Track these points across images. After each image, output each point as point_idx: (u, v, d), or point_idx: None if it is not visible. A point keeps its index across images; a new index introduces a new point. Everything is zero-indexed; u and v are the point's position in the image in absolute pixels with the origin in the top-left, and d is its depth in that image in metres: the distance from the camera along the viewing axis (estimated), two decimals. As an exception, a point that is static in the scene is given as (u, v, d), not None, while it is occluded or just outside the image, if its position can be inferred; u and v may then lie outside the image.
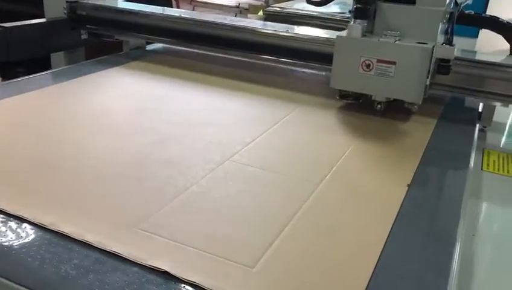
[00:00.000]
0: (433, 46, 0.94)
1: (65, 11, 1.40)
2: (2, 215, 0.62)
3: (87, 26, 1.42)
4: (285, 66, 1.26)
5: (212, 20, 1.30)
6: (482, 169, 0.94)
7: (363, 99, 1.06)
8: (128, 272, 0.54)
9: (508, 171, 0.94)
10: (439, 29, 0.98)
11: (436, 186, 0.82)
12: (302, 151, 0.88)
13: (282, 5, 1.93)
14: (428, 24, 0.98)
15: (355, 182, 0.78)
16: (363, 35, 0.99)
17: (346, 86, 1.04)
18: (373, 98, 1.03)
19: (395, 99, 1.01)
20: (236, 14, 4.07)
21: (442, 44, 0.99)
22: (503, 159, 0.99)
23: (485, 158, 0.99)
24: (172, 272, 0.54)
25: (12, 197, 0.66)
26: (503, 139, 1.11)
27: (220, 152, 0.83)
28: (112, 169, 0.76)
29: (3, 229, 0.60)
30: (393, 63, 0.96)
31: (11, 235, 0.59)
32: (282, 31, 1.23)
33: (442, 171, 0.87)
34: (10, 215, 0.62)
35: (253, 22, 1.32)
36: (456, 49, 0.98)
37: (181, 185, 0.72)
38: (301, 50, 1.20)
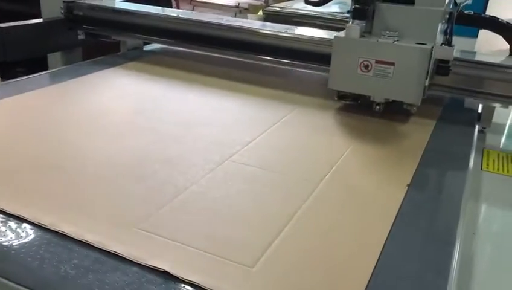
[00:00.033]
0: (432, 47, 0.93)
1: (62, 11, 1.39)
2: (1, 215, 0.62)
3: (84, 26, 1.41)
4: (283, 67, 1.25)
5: (210, 20, 1.29)
6: (481, 169, 0.94)
7: (361, 101, 1.05)
8: (128, 272, 0.54)
9: (507, 171, 0.94)
10: (438, 30, 0.97)
11: (435, 187, 0.81)
12: (300, 152, 0.88)
13: (281, 4, 1.93)
14: (427, 24, 0.97)
15: (355, 183, 0.77)
16: (362, 36, 0.98)
17: (344, 87, 1.03)
18: (371, 99, 1.02)
19: (393, 101, 1.00)
20: (236, 14, 4.07)
21: (441, 45, 0.98)
22: (502, 159, 0.98)
23: (485, 158, 0.98)
24: (172, 272, 0.54)
25: (12, 197, 0.66)
26: (503, 140, 1.10)
27: (219, 152, 0.83)
28: (111, 169, 0.76)
29: (3, 229, 0.60)
30: (392, 63, 0.95)
31: (10, 235, 0.59)
32: (280, 32, 1.22)
33: (442, 172, 0.87)
34: (10, 215, 0.62)
35: (251, 23, 1.31)
36: (455, 50, 0.97)
37: (181, 184, 0.72)
38: (299, 50, 1.19)
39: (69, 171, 0.75)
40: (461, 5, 1.06)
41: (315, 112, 1.06)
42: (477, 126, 1.07)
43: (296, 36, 1.20)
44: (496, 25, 1.10)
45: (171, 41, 1.36)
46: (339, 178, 0.78)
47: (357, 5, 0.98)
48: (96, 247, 0.57)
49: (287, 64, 1.23)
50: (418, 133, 0.98)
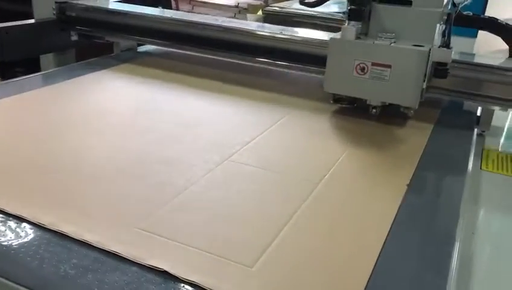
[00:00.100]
0: (430, 49, 0.91)
1: (54, 12, 1.37)
2: (1, 215, 0.62)
3: (77, 27, 1.39)
4: (278, 69, 1.23)
5: (204, 21, 1.27)
6: (480, 168, 0.94)
7: (357, 104, 1.02)
8: (128, 271, 0.54)
9: (507, 171, 0.93)
10: (436, 31, 0.95)
11: (434, 188, 0.81)
12: (294, 156, 0.86)
13: (281, 4, 1.93)
14: (424, 26, 0.94)
15: (353, 184, 0.77)
16: (358, 38, 0.96)
17: (340, 90, 1.01)
18: (368, 102, 1.00)
19: (390, 104, 0.98)
20: (235, 13, 4.04)
21: (439, 47, 0.96)
22: (502, 159, 0.97)
23: (484, 158, 0.97)
24: (171, 271, 0.54)
25: (11, 197, 0.66)
26: (501, 142, 1.08)
27: (217, 154, 0.83)
28: (111, 169, 0.76)
29: (3, 228, 0.60)
30: (389, 66, 0.93)
31: (10, 235, 0.59)
32: (275, 33, 1.20)
33: (440, 174, 0.85)
34: (9, 215, 0.62)
35: (246, 24, 1.29)
36: (453, 52, 0.95)
37: (181, 184, 0.72)
38: (295, 52, 1.17)
39: (69, 171, 0.75)
40: (460, 6, 1.04)
41: (310, 115, 1.04)
42: (476, 129, 1.05)
43: (291, 38, 1.18)
44: (495, 26, 1.07)
45: (165, 42, 1.34)
46: (338, 179, 0.78)
47: (352, 6, 0.95)
48: (95, 247, 0.57)
49: (283, 66, 1.21)
50: (416, 137, 0.96)
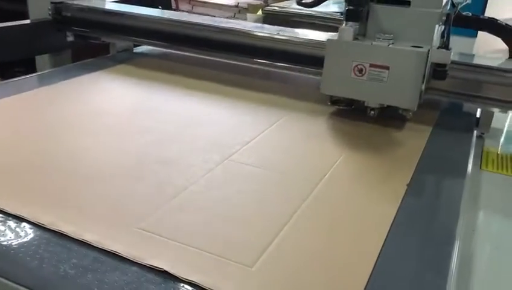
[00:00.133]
0: (429, 50, 0.90)
1: (50, 12, 1.35)
2: (0, 215, 0.62)
3: (73, 28, 1.38)
4: (276, 70, 1.21)
5: (200, 22, 1.26)
6: (480, 168, 0.93)
7: (355, 106, 1.01)
8: (127, 271, 0.54)
9: (507, 170, 0.93)
10: (435, 32, 0.93)
11: (433, 191, 0.80)
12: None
13: (281, 4, 1.92)
14: (423, 27, 0.93)
15: (352, 185, 0.77)
16: (355, 39, 0.94)
17: (337, 92, 0.99)
18: (366, 104, 0.98)
19: (388, 106, 0.97)
20: (235, 13, 4.03)
21: (438, 48, 0.94)
22: (502, 159, 0.97)
23: (484, 158, 0.97)
24: (171, 271, 0.54)
25: (11, 197, 0.66)
26: (500, 145, 1.07)
27: (217, 153, 0.82)
28: (110, 169, 0.76)
29: (2, 228, 0.60)
30: (387, 67, 0.92)
31: (10, 235, 0.59)
32: (273, 34, 1.18)
33: (439, 176, 0.84)
34: (9, 215, 0.62)
35: (243, 24, 1.27)
36: (452, 53, 0.94)
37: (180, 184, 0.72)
38: (292, 53, 1.16)
39: (69, 171, 0.75)
40: (459, 7, 1.03)
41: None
42: (475, 131, 1.03)
43: (288, 38, 1.16)
44: (494, 27, 1.06)
45: (161, 43, 1.32)
46: (336, 181, 0.77)
47: (350, 6, 0.94)
48: (95, 246, 0.57)
49: (280, 67, 1.19)
50: (414, 139, 0.95)
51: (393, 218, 0.67)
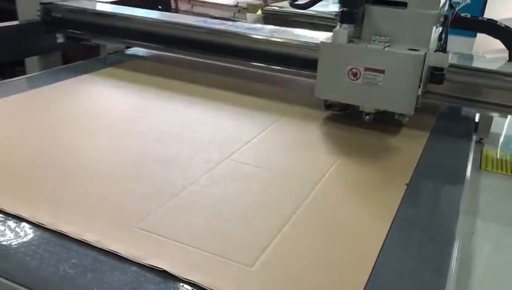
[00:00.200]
0: (426, 54, 0.87)
1: (38, 13, 1.32)
2: (0, 215, 0.62)
3: (63, 29, 1.35)
4: (269, 72, 1.18)
5: (192, 23, 1.23)
6: (480, 168, 0.93)
7: (350, 110, 0.98)
8: (127, 271, 0.54)
9: (506, 170, 0.93)
10: (432, 35, 0.90)
11: (433, 191, 0.79)
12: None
13: (280, 4, 1.90)
14: (420, 29, 0.90)
15: (351, 187, 0.76)
16: (350, 41, 0.91)
17: (331, 96, 0.96)
18: (361, 108, 0.95)
19: (384, 110, 0.94)
20: (235, 13, 4.01)
21: (435, 51, 0.91)
22: (501, 162, 0.96)
23: (484, 157, 0.96)
24: (170, 271, 0.54)
25: (11, 196, 0.66)
26: (499, 149, 1.05)
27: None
28: (110, 169, 0.76)
29: (2, 228, 0.60)
30: (382, 71, 0.89)
31: (9, 235, 0.59)
32: (267, 36, 1.15)
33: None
34: (9, 215, 0.62)
35: (237, 26, 1.24)
36: (450, 55, 0.91)
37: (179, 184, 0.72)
38: (287, 55, 1.13)
39: (68, 171, 0.75)
40: (457, 8, 0.99)
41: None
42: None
43: (282, 40, 1.13)
44: (494, 29, 1.03)
45: (153, 45, 1.29)
46: (332, 184, 0.76)
47: (344, 8, 0.91)
48: (95, 246, 0.57)
49: (274, 70, 1.16)
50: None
51: (393, 217, 0.67)
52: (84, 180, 0.72)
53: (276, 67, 1.16)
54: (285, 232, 0.63)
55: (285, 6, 1.83)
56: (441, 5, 0.91)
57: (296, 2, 1.02)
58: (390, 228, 0.65)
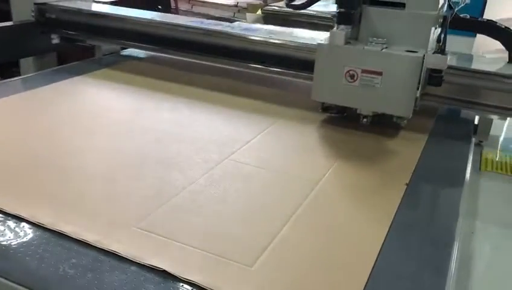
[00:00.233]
0: (424, 55, 0.85)
1: (33, 14, 1.31)
2: (0, 215, 0.62)
3: (57, 29, 1.33)
4: (265, 74, 1.17)
5: (188, 24, 1.21)
6: (479, 169, 0.93)
7: (347, 113, 0.96)
8: (127, 271, 0.54)
9: (506, 170, 0.92)
10: (431, 36, 0.89)
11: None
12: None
13: (280, 4, 1.89)
14: (418, 30, 0.89)
15: (350, 188, 0.76)
16: (347, 43, 0.90)
17: (328, 99, 0.95)
18: (358, 111, 0.93)
19: (382, 113, 0.92)
20: (234, 13, 4.00)
21: (433, 52, 0.89)
22: (501, 159, 0.96)
23: (483, 160, 0.95)
24: (170, 271, 0.54)
25: (10, 197, 0.66)
26: (498, 152, 1.03)
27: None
28: (109, 169, 0.76)
29: (2, 228, 0.60)
30: (380, 73, 0.87)
31: (9, 235, 0.59)
32: (263, 37, 1.14)
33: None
34: (8, 215, 0.62)
35: (232, 27, 1.22)
36: (449, 57, 0.89)
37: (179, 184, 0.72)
38: (284, 57, 1.12)
39: (68, 171, 0.75)
40: (457, 8, 0.98)
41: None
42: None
43: (279, 42, 1.12)
44: (493, 30, 1.01)
45: (149, 46, 1.28)
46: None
47: (341, 9, 0.89)
48: (94, 246, 0.57)
49: (271, 71, 1.15)
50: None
51: (392, 217, 0.67)
52: (84, 180, 0.73)
53: (273, 68, 1.14)
54: (285, 233, 0.63)
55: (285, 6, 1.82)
56: (439, 5, 0.90)
57: (293, 3, 1.01)
58: (389, 229, 0.65)
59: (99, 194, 0.69)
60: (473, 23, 1.05)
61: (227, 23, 1.25)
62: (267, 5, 2.02)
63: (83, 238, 0.58)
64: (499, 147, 1.05)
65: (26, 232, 0.59)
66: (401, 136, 0.95)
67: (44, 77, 1.19)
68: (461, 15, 1.04)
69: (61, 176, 0.73)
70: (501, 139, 1.09)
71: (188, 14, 3.66)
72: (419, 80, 0.86)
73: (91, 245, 0.57)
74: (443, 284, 0.55)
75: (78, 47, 1.37)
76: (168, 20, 1.25)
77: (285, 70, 1.13)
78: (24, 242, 0.57)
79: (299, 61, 1.08)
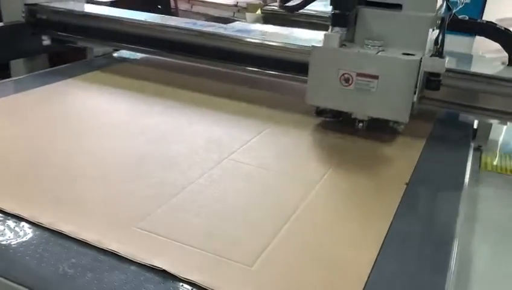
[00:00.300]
0: (421, 58, 0.83)
1: (23, 15, 1.28)
2: (0, 215, 0.63)
3: (48, 31, 1.30)
4: (259, 76, 1.14)
5: (181, 25, 1.19)
6: (479, 168, 0.93)
7: (343, 117, 0.94)
8: (127, 270, 0.54)
9: (506, 170, 0.92)
10: (428, 38, 0.86)
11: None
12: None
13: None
14: (415, 32, 0.86)
15: (349, 190, 0.76)
16: (342, 45, 0.87)
17: (322, 103, 0.92)
18: (353, 116, 0.91)
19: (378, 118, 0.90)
20: (234, 12, 3.98)
21: (431, 55, 0.87)
22: (501, 158, 0.96)
23: (483, 165, 0.95)
24: (170, 270, 0.54)
25: (10, 196, 0.66)
26: (497, 156, 1.01)
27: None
28: (109, 169, 0.76)
29: (1, 228, 0.60)
30: (376, 77, 0.85)
31: (9, 234, 0.59)
32: (257, 39, 1.11)
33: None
34: (8, 214, 0.62)
35: (226, 28, 1.19)
36: (447, 60, 0.86)
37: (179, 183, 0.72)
38: (280, 60, 1.09)
39: (68, 171, 0.75)
40: (455, 9, 0.95)
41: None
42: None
43: (273, 44, 1.09)
44: (493, 32, 0.98)
45: (140, 48, 1.25)
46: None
47: (336, 10, 0.87)
48: (94, 246, 0.57)
49: (266, 74, 1.12)
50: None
51: (392, 216, 0.67)
52: (84, 180, 0.73)
53: (267, 71, 1.12)
54: (285, 233, 0.63)
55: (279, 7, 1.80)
56: (437, 7, 0.87)
57: (287, 4, 0.98)
58: (389, 229, 0.65)
59: (99, 194, 0.69)
60: (471, 24, 1.02)
61: (221, 24, 1.22)
62: (267, 5, 2.00)
63: (83, 238, 0.58)
64: (498, 151, 1.03)
65: (26, 232, 0.59)
66: (398, 141, 0.92)
67: (36, 79, 1.16)
68: (460, 16, 1.01)
69: (60, 176, 0.73)
70: (500, 143, 1.06)
71: (187, 14, 3.64)
72: (416, 83, 0.83)
73: (91, 245, 0.57)
74: (442, 284, 0.55)
75: (69, 48, 1.34)
76: (160, 22, 1.23)
77: (280, 73, 1.11)
78: (24, 242, 0.58)
79: (294, 64, 1.06)
